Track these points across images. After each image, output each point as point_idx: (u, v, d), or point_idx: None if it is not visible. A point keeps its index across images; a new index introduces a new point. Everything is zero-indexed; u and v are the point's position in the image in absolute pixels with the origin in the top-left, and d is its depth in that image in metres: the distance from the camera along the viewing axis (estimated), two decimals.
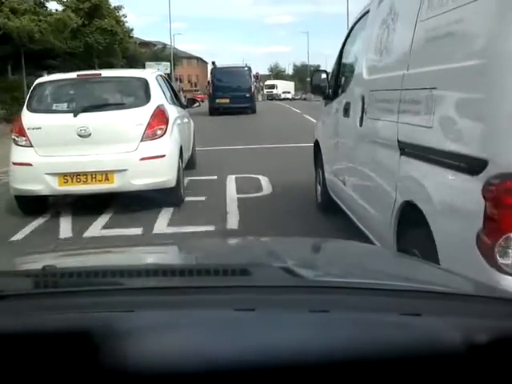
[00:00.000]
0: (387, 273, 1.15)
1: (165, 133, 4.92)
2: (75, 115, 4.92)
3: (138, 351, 0.67)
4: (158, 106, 4.98)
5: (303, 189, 5.01)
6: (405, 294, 0.83)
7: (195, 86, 78.92)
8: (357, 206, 2.88)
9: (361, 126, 2.82)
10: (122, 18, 34.72)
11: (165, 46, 57.48)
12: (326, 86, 3.97)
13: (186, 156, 6.20)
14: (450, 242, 1.57)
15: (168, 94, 5.87)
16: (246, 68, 21.91)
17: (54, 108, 5.21)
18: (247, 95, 19.99)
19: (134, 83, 5.32)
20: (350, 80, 3.18)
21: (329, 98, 3.92)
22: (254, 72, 41.85)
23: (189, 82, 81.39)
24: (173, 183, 4.93)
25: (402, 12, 2.25)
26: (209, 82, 23.02)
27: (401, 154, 2.06)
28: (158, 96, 5.19)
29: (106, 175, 4.80)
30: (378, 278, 1.04)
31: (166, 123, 4.98)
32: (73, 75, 5.50)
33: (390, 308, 0.77)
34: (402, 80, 2.03)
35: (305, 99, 46.11)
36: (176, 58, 60.01)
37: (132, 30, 46.26)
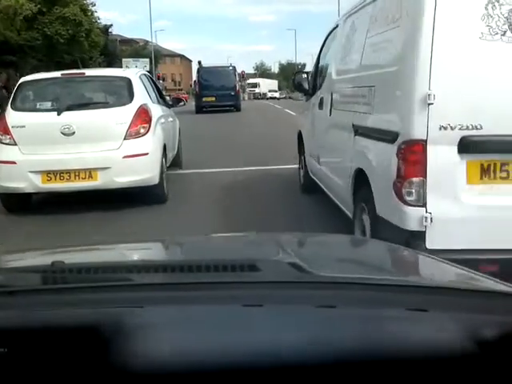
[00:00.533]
0: (394, 268, 1.20)
1: (148, 131, 5.11)
2: (59, 114, 5.09)
3: (147, 347, 0.69)
4: (141, 105, 5.16)
5: (287, 175, 5.90)
6: (411, 290, 0.85)
7: (179, 84, 79.06)
8: (326, 178, 3.81)
9: (330, 115, 3.74)
10: (90, 7, 30.31)
11: (146, 42, 57.31)
12: (306, 84, 4.86)
13: (171, 154, 6.41)
14: (380, 190, 2.45)
15: (152, 93, 6.05)
16: (231, 67, 23.44)
17: (37, 107, 5.38)
18: (232, 93, 21.52)
19: (118, 82, 5.48)
20: (323, 79, 4.10)
21: (309, 94, 4.82)
22: (239, 71, 42.92)
23: (172, 80, 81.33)
24: (156, 180, 5.11)
25: (358, 29, 3.17)
26: (194, 81, 24.69)
27: (355, 135, 2.95)
28: (142, 95, 5.37)
29: (90, 173, 4.96)
30: (385, 274, 1.08)
31: (149, 122, 5.15)
32: (57, 74, 5.73)
33: (396, 303, 0.79)
34: (355, 80, 2.95)
35: (290, 98, 46.76)
36: (159, 56, 59.87)
37: (111, 25, 44.62)
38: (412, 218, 2.26)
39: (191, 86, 26.29)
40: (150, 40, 60.46)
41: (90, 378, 0.66)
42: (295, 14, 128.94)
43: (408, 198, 2.24)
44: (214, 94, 21.28)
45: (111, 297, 0.83)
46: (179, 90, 65.02)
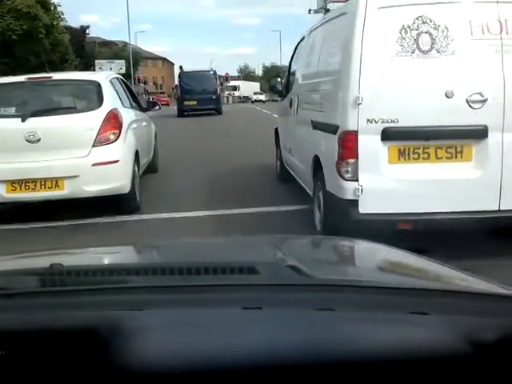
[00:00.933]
0: (393, 271, 1.27)
1: (118, 137, 5.16)
2: (23, 120, 5.11)
3: (146, 350, 0.74)
4: (110, 110, 5.21)
5: (265, 166, 6.87)
6: (412, 293, 0.90)
7: (161, 88, 78.75)
8: (295, 166, 4.70)
9: (297, 114, 4.64)
10: (52, 1, 28.58)
11: (125, 44, 57.47)
12: (280, 87, 5.76)
13: (145, 160, 6.56)
14: (329, 171, 3.31)
15: (124, 97, 6.15)
16: (212, 72, 24.87)
17: (1, 113, 5.40)
18: (213, 97, 22.78)
19: (86, 86, 5.55)
20: (293, 83, 5.00)
21: (282, 96, 5.72)
22: (222, 73, 43.12)
23: (154, 83, 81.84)
24: (127, 189, 5.17)
25: (316, 44, 4.09)
26: (176, 85, 26.10)
27: (313, 129, 3.83)
28: (112, 99, 5.44)
29: (56, 182, 4.98)
30: (386, 277, 1.15)
31: (120, 127, 5.22)
32: (22, 78, 5.78)
33: (397, 306, 0.84)
34: (313, 85, 3.86)
35: (274, 101, 47.31)
36: (140, 58, 60.37)
37: (88, 26, 43.96)
38: (348, 189, 3.11)
39: (173, 89, 26.76)
40: (126, 40, 59.52)
41: (89, 381, 0.71)
42: (278, 16, 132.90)
43: (345, 175, 3.09)
44: (196, 97, 22.64)
45: (110, 299, 0.88)
46: (161, 93, 65.13)
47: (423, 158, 3.14)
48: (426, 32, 3.05)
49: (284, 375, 0.70)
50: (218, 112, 22.88)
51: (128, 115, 5.70)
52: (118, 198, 5.14)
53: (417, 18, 3.07)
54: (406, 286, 0.96)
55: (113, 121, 5.19)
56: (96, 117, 5.12)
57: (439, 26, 3.06)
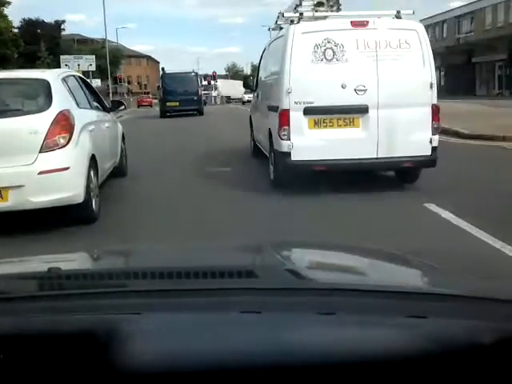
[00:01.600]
0: (393, 275, 1.37)
1: (69, 142, 4.87)
2: None
3: (144, 353, 0.78)
4: (60, 112, 4.93)
5: (242, 147, 9.58)
6: (411, 297, 0.97)
7: (145, 87, 78.34)
8: (259, 139, 7.12)
9: (260, 102, 7.02)
10: None
11: (105, 41, 56.45)
12: (251, 84, 8.07)
13: (108, 165, 6.33)
14: (275, 136, 5.64)
15: (80, 97, 5.89)
16: (194, 73, 26.33)
17: None
18: (195, 98, 24.31)
19: (33, 86, 5.26)
20: (259, 82, 7.36)
21: (253, 91, 8.04)
22: (210, 72, 44.09)
23: (138, 83, 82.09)
24: (80, 198, 4.86)
25: (270, 53, 6.52)
26: (158, 86, 27.57)
27: (268, 111, 6.17)
28: (62, 100, 5.15)
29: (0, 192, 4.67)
30: (384, 281, 1.23)
31: (71, 131, 4.93)
32: None
33: (396, 310, 0.90)
34: (267, 82, 6.26)
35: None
36: (121, 56, 59.30)
37: (63, 21, 45.63)
38: (284, 146, 5.38)
39: (158, 88, 27.60)
40: (110, 39, 59.09)
41: None
42: (265, 15, 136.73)
43: (283, 137, 5.38)
44: (178, 98, 23.88)
45: (108, 303, 0.93)
46: (145, 93, 63.04)
47: (329, 126, 5.40)
48: (329, 48, 5.32)
49: (283, 379, 0.76)
50: (200, 113, 24.33)
51: (84, 117, 5.46)
52: (70, 209, 4.85)
53: (324, 39, 5.34)
54: (405, 290, 1.04)
55: (63, 123, 4.91)
56: (43, 119, 4.84)
57: (337, 44, 5.33)
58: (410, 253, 1.60)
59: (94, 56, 30.23)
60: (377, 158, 5.51)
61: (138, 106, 47.06)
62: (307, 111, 5.41)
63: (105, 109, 7.06)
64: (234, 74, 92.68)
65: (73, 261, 1.62)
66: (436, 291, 1.06)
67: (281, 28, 6.43)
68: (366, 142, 5.46)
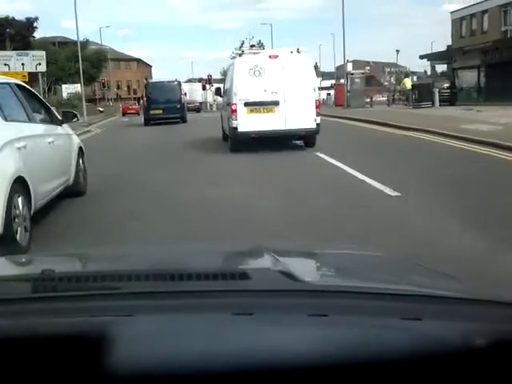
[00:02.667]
0: (386, 277, 1.45)
1: None
2: None
3: (136, 355, 0.85)
4: None
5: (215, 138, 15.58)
6: (405, 299, 1.03)
7: (134, 92, 76.95)
8: (224, 126, 13.26)
9: (224, 102, 13.06)
10: None
11: (87, 41, 53.80)
12: (221, 92, 13.94)
13: (51, 186, 5.96)
14: (230, 119, 11.48)
15: (12, 108, 5.56)
16: (176, 82, 28.91)
17: None
18: (178, 106, 26.78)
19: None
20: (225, 89, 13.32)
21: (221, 96, 13.91)
22: (204, 76, 46.90)
23: (128, 87, 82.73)
24: None
25: (229, 71, 12.58)
26: (142, 95, 29.96)
27: (227, 106, 12.03)
28: None
29: None
30: (378, 283, 1.32)
31: None
32: None
33: (390, 312, 0.96)
34: (227, 90, 12.24)
35: None
36: (105, 58, 57.34)
37: (36, 18, 44.04)
38: (234, 123, 11.12)
39: (142, 97, 29.55)
40: (99, 42, 60.06)
41: None
42: (260, 20, 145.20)
43: (233, 119, 11.13)
44: (161, 106, 26.17)
45: (100, 305, 0.99)
46: (135, 98, 59.95)
47: (258, 112, 11.09)
48: (257, 70, 11.01)
49: (275, 381, 0.82)
50: (183, 120, 26.59)
51: (11, 131, 5.09)
52: None
53: (254, 65, 11.07)
54: (399, 292, 1.11)
55: None
56: None
57: (261, 67, 11.01)
58: (406, 255, 1.82)
59: (43, 53, 25.06)
60: (285, 129, 11.28)
61: (124, 114, 46.57)
62: (246, 104, 11.12)
63: (54, 121, 6.80)
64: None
65: (65, 262, 1.75)
66: (430, 293, 1.13)
67: (234, 57, 12.22)
68: (278, 120, 11.16)
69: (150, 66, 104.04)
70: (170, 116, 25.98)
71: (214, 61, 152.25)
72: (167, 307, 1.00)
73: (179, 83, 28.83)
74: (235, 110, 11.19)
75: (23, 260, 1.90)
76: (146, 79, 30.71)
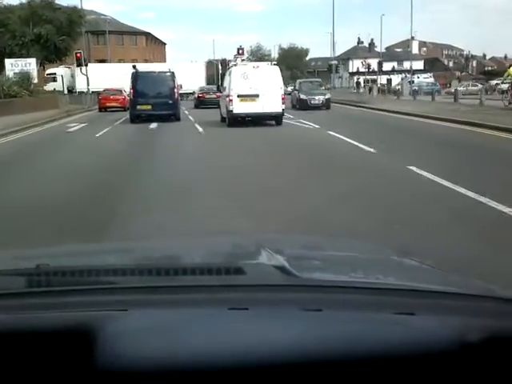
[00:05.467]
0: (381, 272, 1.74)
1: None
2: None
3: (131, 350, 1.01)
4: None
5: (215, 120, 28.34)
6: (398, 293, 1.25)
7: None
8: (222, 111, 26.80)
9: (223, 94, 27.13)
10: None
11: (75, 7, 48.89)
12: (220, 88, 28.61)
13: None
14: (229, 106, 24.45)
15: None
16: (169, 73, 29.82)
17: None
18: (170, 102, 28.29)
19: None
20: (224, 86, 27.04)
21: (221, 91, 28.31)
22: (220, 58, 53.33)
23: (134, 68, 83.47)
24: None
25: (228, 75, 26.36)
26: (130, 88, 29.30)
27: (225, 98, 25.24)
28: None
29: None
30: (372, 277, 1.59)
31: None
32: None
33: (383, 307, 1.16)
34: (225, 86, 26.02)
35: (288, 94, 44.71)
36: (80, 21, 49.27)
37: None
38: (231, 107, 23.60)
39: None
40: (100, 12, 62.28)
41: (76, 381, 0.96)
42: (282, 3, 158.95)
43: (230, 105, 23.78)
44: (150, 101, 27.72)
45: (95, 300, 1.18)
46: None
47: (245, 101, 23.42)
48: (246, 74, 23.46)
49: (270, 376, 0.98)
50: (176, 118, 28.56)
51: None
52: None
53: (244, 72, 23.55)
54: (393, 287, 1.33)
55: None
56: None
57: (248, 74, 23.51)
58: (400, 250, 2.09)
59: None
60: (263, 112, 23.75)
61: (101, 109, 40.62)
62: (238, 96, 23.50)
63: None
64: (258, 58, 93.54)
65: (61, 257, 2.04)
66: (424, 288, 1.35)
67: (231, 66, 25.68)
68: (259, 106, 23.52)
69: (164, 44, 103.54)
70: (160, 113, 27.47)
71: (237, 44, 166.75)
72: (162, 302, 1.24)
73: (173, 74, 29.61)
74: (231, 100, 23.36)
75: (18, 254, 2.23)
76: (134, 67, 30.22)
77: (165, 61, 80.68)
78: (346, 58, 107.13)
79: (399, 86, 54.41)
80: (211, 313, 1.19)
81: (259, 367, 1.04)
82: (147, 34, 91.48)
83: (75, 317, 1.15)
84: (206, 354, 1.05)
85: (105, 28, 71.07)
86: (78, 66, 45.25)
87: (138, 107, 27.81)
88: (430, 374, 1.06)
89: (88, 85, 45.72)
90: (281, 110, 23.97)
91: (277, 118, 24.20)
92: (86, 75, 45.41)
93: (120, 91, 41.41)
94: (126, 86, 34.18)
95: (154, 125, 25.61)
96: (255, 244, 2.04)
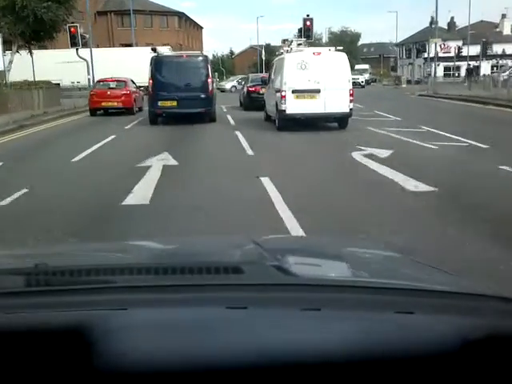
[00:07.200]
0: (380, 271, 1.94)
1: None
2: None
3: (130, 349, 1.14)
4: None
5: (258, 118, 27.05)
6: (398, 292, 1.41)
7: None
8: (269, 109, 24.24)
9: (271, 89, 23.72)
10: None
11: None
12: (266, 80, 25.62)
13: None
14: (280, 103, 21.93)
15: None
16: (202, 57, 25.61)
17: None
18: (202, 96, 24.14)
19: None
20: (270, 78, 24.61)
21: (266, 84, 25.53)
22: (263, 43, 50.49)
23: (153, 51, 76.50)
24: None
25: (277, 65, 23.88)
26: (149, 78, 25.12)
27: (275, 92, 22.57)
28: None
29: None
30: (371, 277, 1.79)
31: None
32: None
33: (382, 306, 1.31)
34: (276, 79, 23.39)
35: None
36: (134, 12, 51.86)
37: None
38: (283, 107, 20.91)
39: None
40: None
41: (75, 381, 1.09)
42: None
43: (282, 104, 21.20)
44: (176, 96, 23.75)
45: (95, 299, 1.33)
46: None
47: (303, 98, 20.63)
48: (303, 64, 20.90)
49: (269, 375, 1.10)
50: (211, 118, 24.67)
51: None
52: None
53: (301, 60, 20.83)
54: (392, 286, 1.49)
55: None
56: None
57: (306, 62, 20.73)
58: (399, 250, 2.30)
59: None
60: (325, 112, 20.93)
61: (93, 111, 32.31)
62: (293, 91, 20.63)
63: None
64: (309, 44, 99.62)
65: (59, 256, 2.26)
66: (423, 287, 1.52)
67: (281, 53, 22.60)
68: (319, 105, 20.64)
69: (200, 28, 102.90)
70: (189, 111, 23.89)
71: (276, 33, 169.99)
72: (162, 301, 1.38)
73: (206, 58, 25.84)
74: (284, 96, 20.61)
75: (16, 254, 2.46)
76: (154, 50, 25.65)
77: (202, 48, 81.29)
78: (412, 41, 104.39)
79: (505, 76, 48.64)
80: (210, 312, 1.32)
81: (258, 367, 1.15)
82: (180, 15, 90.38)
83: (75, 316, 1.27)
84: (205, 353, 1.17)
85: (130, 7, 65.38)
86: (72, 45, 38.13)
87: (160, 103, 24.28)
88: (430, 373, 1.17)
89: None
90: (348, 110, 21.23)
91: (342, 120, 21.69)
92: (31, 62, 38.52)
93: (123, 83, 32.91)
94: (140, 76, 31.08)
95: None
96: (254, 243, 2.18)
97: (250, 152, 16.22)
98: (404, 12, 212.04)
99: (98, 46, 62.06)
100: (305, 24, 35.94)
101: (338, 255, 2.28)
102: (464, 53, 74.08)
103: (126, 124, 25.32)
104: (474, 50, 77.49)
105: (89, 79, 37.70)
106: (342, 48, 22.85)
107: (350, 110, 21.38)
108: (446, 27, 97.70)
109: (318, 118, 21.56)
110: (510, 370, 1.22)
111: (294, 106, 21.01)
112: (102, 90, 32.54)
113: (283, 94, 21.09)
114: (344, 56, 21.84)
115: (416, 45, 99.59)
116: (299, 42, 25.25)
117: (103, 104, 32.19)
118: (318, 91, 21.02)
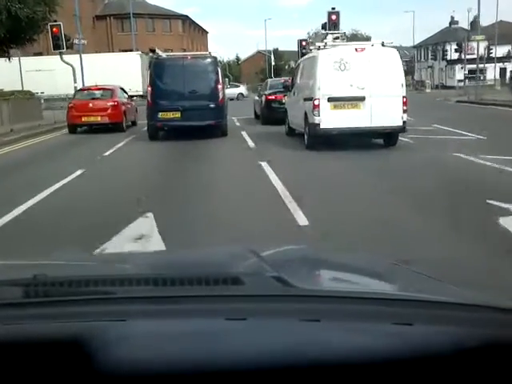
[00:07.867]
0: (378, 282, 2.05)
1: None
2: None
3: (129, 360, 1.18)
4: None
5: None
6: (396, 303, 1.46)
7: None
8: (294, 122, 20.17)
9: (297, 96, 19.09)
10: None
11: None
12: (289, 85, 21.07)
13: None
14: (310, 115, 17.16)
15: None
16: (210, 59, 22.00)
17: None
18: (212, 105, 20.73)
19: None
20: (294, 83, 19.82)
21: (289, 90, 20.97)
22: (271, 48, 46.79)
23: (152, 52, 75.08)
24: None
25: (304, 66, 19.37)
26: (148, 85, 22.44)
27: (304, 101, 17.91)
28: None
29: None
30: (369, 287, 1.88)
31: None
32: None
33: (381, 317, 1.36)
34: (303, 83, 18.56)
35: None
36: (134, 15, 51.68)
37: None
38: (316, 119, 16.44)
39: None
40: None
41: None
42: None
43: (315, 114, 16.65)
44: (179, 105, 20.63)
45: (93, 310, 1.39)
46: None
47: (343, 108, 16.24)
48: (342, 63, 16.32)
49: None
50: (222, 132, 21.33)
51: None
52: None
53: (340, 58, 16.33)
54: (390, 297, 1.55)
55: None
56: None
57: (346, 61, 16.25)
58: (398, 261, 2.34)
59: None
60: (370, 126, 16.40)
61: (72, 127, 26.77)
62: (329, 99, 16.22)
63: None
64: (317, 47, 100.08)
65: (58, 267, 2.33)
66: (422, 298, 1.54)
67: (310, 50, 17.96)
68: (364, 117, 16.22)
69: (206, 32, 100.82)
70: (196, 124, 20.56)
71: (282, 38, 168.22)
72: (161, 312, 1.42)
73: (215, 60, 22.40)
74: (318, 106, 16.34)
75: (15, 264, 2.53)
76: (153, 51, 22.88)
77: (207, 50, 75.46)
78: (432, 43, 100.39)
79: None
80: (209, 323, 1.36)
81: (257, 378, 1.19)
82: (184, 18, 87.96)
83: (73, 327, 1.32)
84: (204, 365, 1.22)
85: (130, 11, 64.50)
86: (55, 48, 33.25)
87: (160, 115, 20.74)
88: (428, 383, 1.22)
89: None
90: (401, 124, 16.83)
91: (391, 136, 17.40)
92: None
93: (110, 92, 27.63)
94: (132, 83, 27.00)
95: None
96: (252, 254, 2.21)
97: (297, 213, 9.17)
98: (416, 14, 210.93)
99: (96, 52, 60.39)
100: (330, 18, 31.06)
101: (337, 266, 2.31)
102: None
103: (109, 147, 19.55)
104: (501, 50, 73.62)
105: (75, 87, 32.87)
106: (391, 42, 17.77)
107: (404, 122, 16.99)
108: (468, 27, 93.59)
109: (363, 134, 17.20)
110: (509, 380, 1.25)
111: (331, 119, 16.66)
112: (83, 102, 26.99)
113: (316, 102, 16.76)
114: (395, 53, 17.36)
115: (435, 46, 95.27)
116: (336, 36, 19.69)
117: (84, 119, 26.48)
118: (363, 99, 16.76)
